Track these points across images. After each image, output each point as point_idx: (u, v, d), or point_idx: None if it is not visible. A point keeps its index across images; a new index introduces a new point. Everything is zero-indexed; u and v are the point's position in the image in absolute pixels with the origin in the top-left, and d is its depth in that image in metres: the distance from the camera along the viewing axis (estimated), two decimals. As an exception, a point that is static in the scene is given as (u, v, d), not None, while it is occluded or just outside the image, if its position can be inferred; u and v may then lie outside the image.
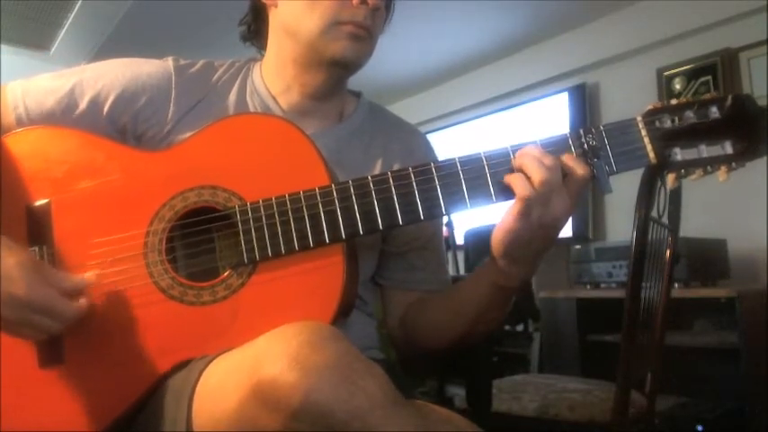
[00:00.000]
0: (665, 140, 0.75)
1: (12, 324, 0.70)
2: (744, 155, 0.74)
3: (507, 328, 2.90)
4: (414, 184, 0.76)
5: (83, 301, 0.73)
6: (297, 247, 0.76)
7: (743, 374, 2.07)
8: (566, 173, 0.75)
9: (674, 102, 0.76)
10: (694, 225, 2.18)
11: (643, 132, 0.76)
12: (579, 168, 0.75)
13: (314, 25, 0.88)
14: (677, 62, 2.80)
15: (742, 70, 2.61)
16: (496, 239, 0.78)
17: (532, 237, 0.76)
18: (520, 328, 2.91)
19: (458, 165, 0.77)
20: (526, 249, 0.77)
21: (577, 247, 2.67)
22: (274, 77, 0.96)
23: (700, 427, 2.02)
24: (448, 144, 3.63)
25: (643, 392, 1.52)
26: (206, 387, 0.68)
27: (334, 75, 0.93)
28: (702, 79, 2.72)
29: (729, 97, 0.75)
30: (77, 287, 0.74)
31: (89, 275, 0.76)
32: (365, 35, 0.89)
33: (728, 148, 0.74)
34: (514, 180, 0.74)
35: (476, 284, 0.87)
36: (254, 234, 0.77)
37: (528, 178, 0.73)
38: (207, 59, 0.98)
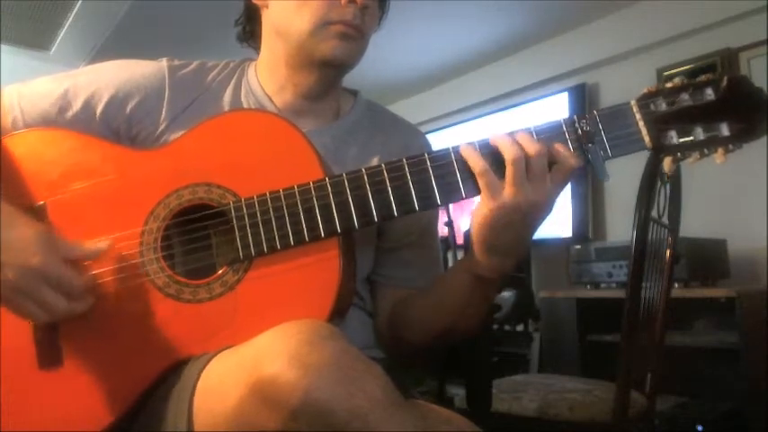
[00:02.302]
0: (661, 124, 0.74)
1: (21, 296, 0.70)
2: (741, 136, 0.73)
3: (507, 328, 2.90)
4: (408, 174, 0.76)
5: (89, 276, 0.75)
6: (292, 242, 0.76)
7: (743, 374, 2.07)
8: (555, 161, 0.74)
9: (669, 85, 0.75)
10: (694, 225, 2.18)
11: (638, 116, 0.75)
12: (569, 158, 0.74)
13: (303, 26, 0.88)
14: (677, 62, 2.80)
15: (742, 70, 2.61)
16: (472, 225, 0.78)
17: (508, 221, 0.75)
18: (520, 328, 2.91)
19: (452, 154, 0.77)
20: (503, 236, 0.76)
21: (577, 247, 2.66)
22: (268, 77, 0.96)
23: (700, 427, 2.01)
24: (448, 144, 3.62)
25: (643, 392, 1.52)
26: (206, 385, 0.68)
27: (325, 75, 0.93)
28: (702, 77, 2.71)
29: (725, 78, 0.73)
30: (89, 255, 0.75)
31: (101, 244, 0.77)
32: (355, 34, 0.89)
33: (725, 129, 0.73)
34: (468, 155, 0.74)
35: (456, 277, 0.87)
36: (248, 230, 0.77)
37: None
38: (201, 60, 0.97)
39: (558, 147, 0.74)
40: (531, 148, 0.73)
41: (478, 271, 0.82)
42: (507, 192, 0.73)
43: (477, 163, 0.74)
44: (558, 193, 0.76)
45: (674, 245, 1.55)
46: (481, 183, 0.74)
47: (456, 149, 0.77)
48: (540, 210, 0.75)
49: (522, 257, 0.81)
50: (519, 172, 0.73)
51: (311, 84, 0.94)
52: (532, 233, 0.78)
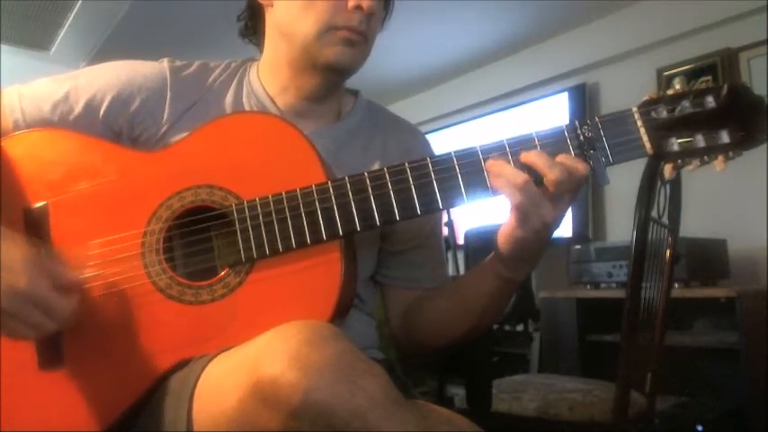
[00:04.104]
0: (662, 131, 0.75)
1: (8, 318, 0.69)
2: (741, 144, 0.73)
3: (507, 328, 2.90)
4: (410, 179, 0.76)
5: (75, 299, 0.72)
6: (294, 245, 0.76)
7: (743, 374, 2.07)
8: (568, 173, 0.74)
9: (670, 92, 0.76)
10: (694, 225, 2.18)
11: (639, 123, 0.75)
12: (580, 167, 0.74)
13: (308, 29, 0.87)
14: (677, 62, 2.80)
15: (742, 70, 2.61)
16: (501, 246, 0.80)
17: (534, 237, 0.77)
18: (520, 328, 2.91)
19: (454, 159, 0.77)
20: (529, 248, 0.79)
21: (577, 247, 2.66)
22: (270, 79, 0.95)
23: (700, 427, 2.01)
24: (448, 144, 3.60)
25: (643, 392, 1.52)
26: (206, 386, 0.68)
27: (328, 78, 0.93)
28: (702, 79, 2.70)
29: (725, 86, 0.74)
30: (74, 283, 0.74)
31: (84, 276, 0.76)
32: (360, 40, 0.88)
33: (725, 137, 0.73)
34: (504, 188, 0.74)
35: (482, 280, 0.87)
36: (251, 232, 0.77)
37: (529, 179, 0.74)
38: (203, 61, 0.97)
39: (565, 158, 0.75)
40: (551, 174, 0.73)
41: (507, 275, 0.83)
42: (534, 215, 0.75)
43: (514, 196, 0.74)
44: (571, 202, 0.78)
45: (674, 245, 1.55)
46: (515, 213, 0.75)
47: (458, 154, 0.77)
48: (558, 221, 0.78)
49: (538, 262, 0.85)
50: (557, 193, 0.74)
51: (314, 86, 0.93)
52: (548, 240, 0.80)
